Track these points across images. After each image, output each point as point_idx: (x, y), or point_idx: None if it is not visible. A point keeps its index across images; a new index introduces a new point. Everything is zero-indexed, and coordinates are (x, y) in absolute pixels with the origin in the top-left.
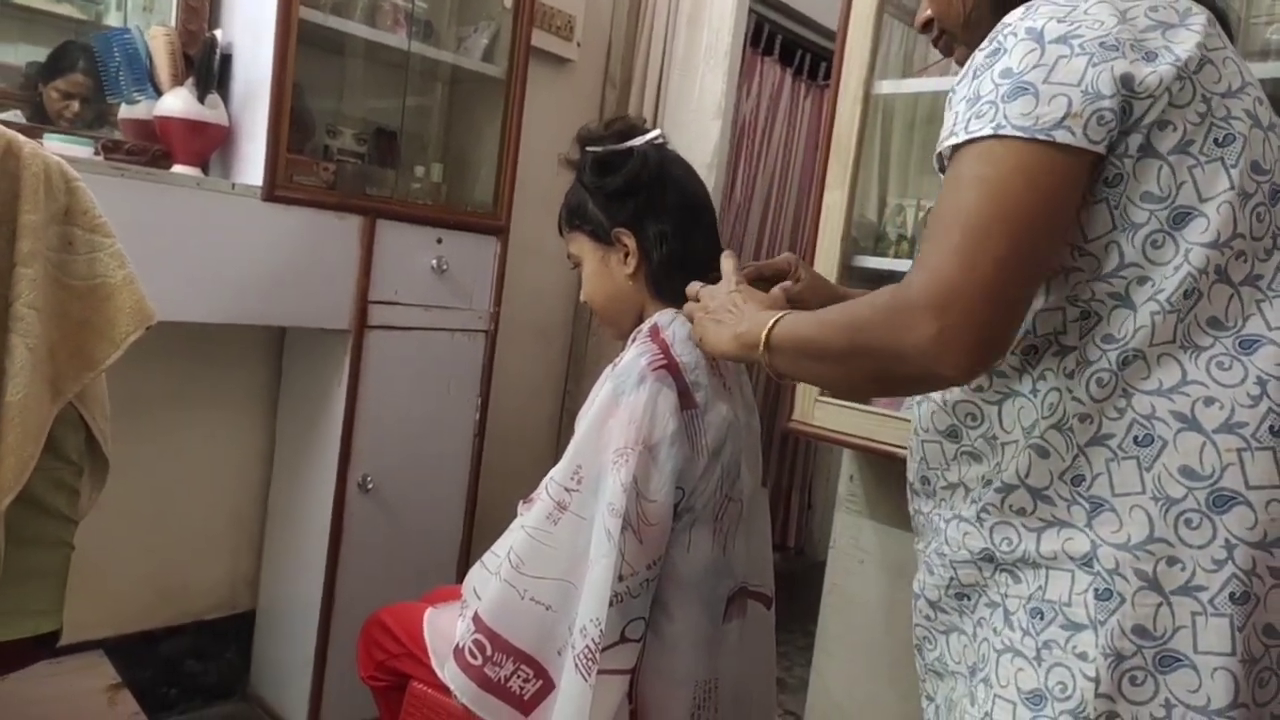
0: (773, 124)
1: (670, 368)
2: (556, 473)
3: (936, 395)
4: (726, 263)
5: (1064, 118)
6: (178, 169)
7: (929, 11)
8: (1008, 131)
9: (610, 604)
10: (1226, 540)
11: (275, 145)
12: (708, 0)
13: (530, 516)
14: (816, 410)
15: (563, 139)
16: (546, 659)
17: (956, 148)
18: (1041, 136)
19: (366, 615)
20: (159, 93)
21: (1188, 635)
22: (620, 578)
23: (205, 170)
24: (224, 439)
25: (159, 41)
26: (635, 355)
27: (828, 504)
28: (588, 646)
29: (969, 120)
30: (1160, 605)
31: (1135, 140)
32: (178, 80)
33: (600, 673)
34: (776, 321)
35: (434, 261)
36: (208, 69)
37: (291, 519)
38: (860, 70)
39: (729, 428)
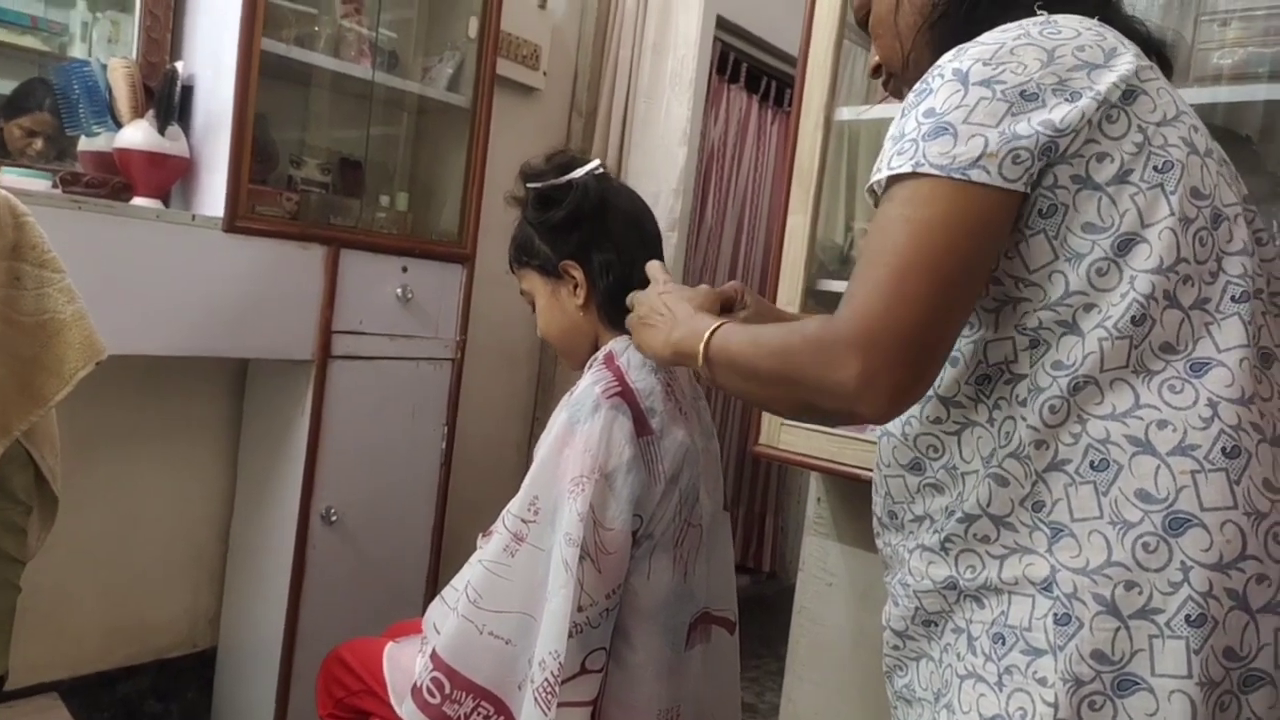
0: (741, 150)
1: (625, 395)
2: (513, 505)
3: (896, 429)
4: (652, 267)
5: (979, 157)
6: (138, 201)
7: (876, 57)
8: (926, 170)
9: (570, 635)
10: (1183, 563)
11: (236, 176)
12: (673, 29)
13: (488, 550)
14: (783, 434)
15: None
16: (507, 694)
17: (884, 184)
18: (958, 175)
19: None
20: (119, 125)
21: (1145, 659)
22: (580, 608)
23: (166, 202)
24: (185, 473)
25: (119, 74)
26: (590, 383)
27: (800, 527)
28: (547, 680)
29: (892, 157)
30: (1119, 629)
31: (1065, 171)
32: (138, 112)
33: (561, 705)
34: (713, 332)
35: (399, 290)
36: (168, 101)
37: (253, 553)
38: (821, 97)
39: (686, 453)
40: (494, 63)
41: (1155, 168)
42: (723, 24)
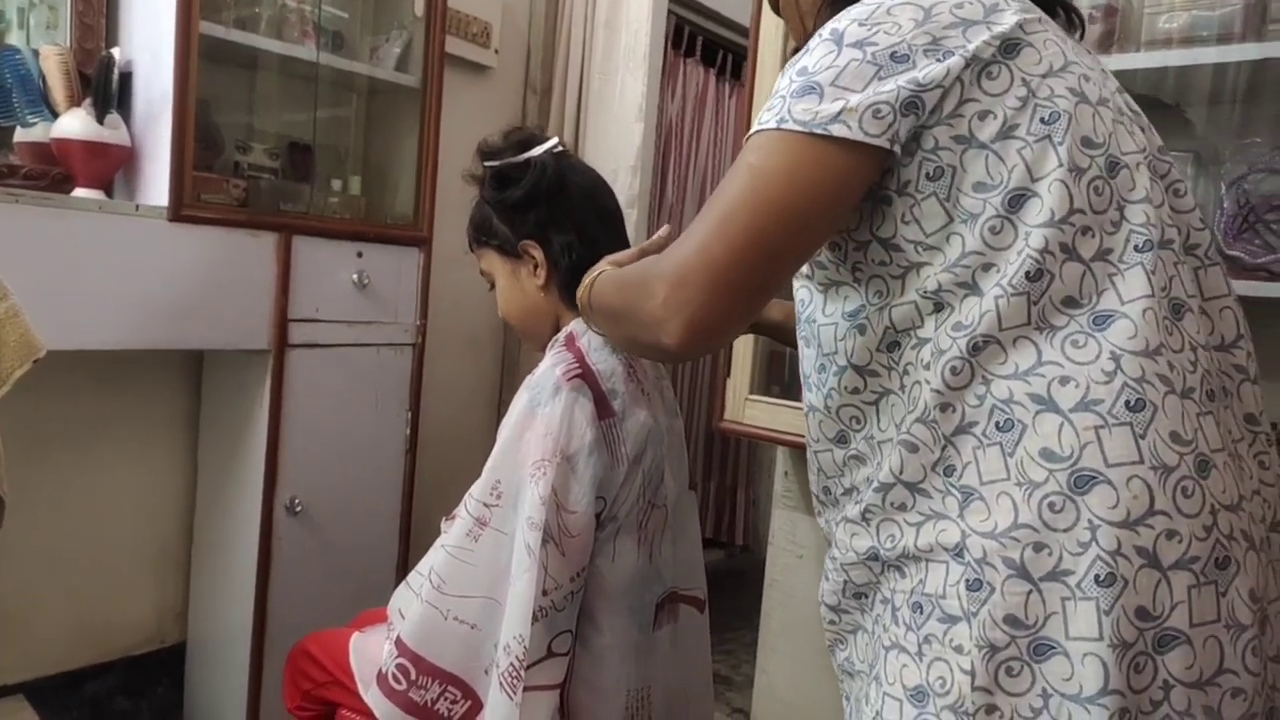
0: (700, 125)
1: (585, 376)
2: (476, 489)
3: (819, 403)
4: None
5: (840, 113)
6: (79, 192)
7: (794, 39)
8: (789, 126)
9: (534, 619)
10: (1090, 521)
11: (180, 164)
12: (624, 3)
13: (451, 535)
14: (747, 409)
15: None
16: (474, 679)
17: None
18: (818, 131)
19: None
20: (55, 114)
21: (1059, 621)
22: (544, 592)
23: (109, 193)
24: (144, 468)
25: (52, 61)
26: (550, 365)
27: (771, 500)
28: (512, 664)
29: (762, 113)
30: (1030, 593)
31: (946, 132)
32: (74, 101)
33: (527, 689)
34: (597, 275)
35: (355, 276)
36: (105, 88)
37: (218, 547)
38: (774, 69)
39: (649, 434)
40: (443, 41)
41: (1042, 119)
42: None
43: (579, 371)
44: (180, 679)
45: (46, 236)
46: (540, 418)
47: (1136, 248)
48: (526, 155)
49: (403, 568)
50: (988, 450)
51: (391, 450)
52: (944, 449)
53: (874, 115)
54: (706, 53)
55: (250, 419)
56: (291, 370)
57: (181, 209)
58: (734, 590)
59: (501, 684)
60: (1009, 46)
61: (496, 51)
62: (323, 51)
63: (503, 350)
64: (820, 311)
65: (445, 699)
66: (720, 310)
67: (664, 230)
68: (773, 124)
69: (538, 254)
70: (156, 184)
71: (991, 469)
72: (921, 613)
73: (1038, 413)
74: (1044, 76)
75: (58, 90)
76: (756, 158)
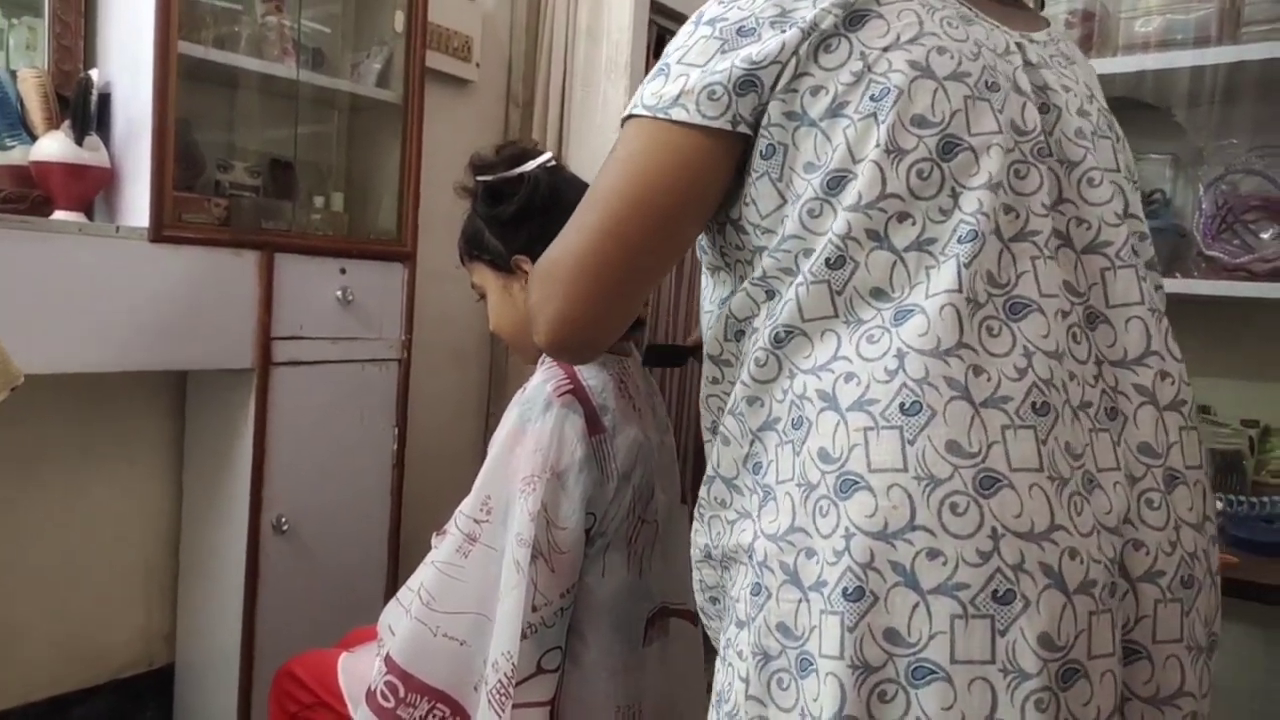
0: None
1: (576, 392)
2: (465, 505)
3: (702, 395)
4: None
5: (679, 95)
6: (59, 215)
7: None
8: (638, 111)
9: (524, 636)
10: (846, 529)
11: (160, 184)
12: (605, 14)
13: (440, 551)
14: None
15: (466, 161)
16: (463, 696)
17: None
18: (660, 115)
19: None
20: (34, 137)
21: (817, 636)
22: (534, 608)
23: (89, 215)
24: (129, 490)
25: (29, 84)
26: (541, 381)
27: None
28: (500, 682)
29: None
30: (800, 602)
31: (779, 108)
32: (53, 123)
33: (516, 707)
34: None
35: (339, 292)
36: (84, 110)
37: (205, 567)
38: None
39: (639, 449)
40: (423, 56)
41: (872, 96)
42: (657, 8)
43: (570, 387)
44: (169, 702)
45: (26, 260)
46: (531, 433)
47: (960, 238)
48: (519, 170)
49: (392, 584)
50: (784, 448)
51: (378, 466)
52: (751, 444)
53: (709, 97)
54: None
55: (235, 438)
56: (276, 388)
57: (162, 229)
58: None
59: (490, 701)
60: (854, 17)
61: (478, 65)
62: (303, 69)
63: (490, 364)
64: (708, 299)
65: (434, 716)
66: (582, 305)
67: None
68: (628, 112)
69: (530, 269)
70: (137, 205)
71: (785, 468)
72: (728, 616)
73: (821, 410)
74: (885, 50)
75: (36, 113)
76: (618, 148)
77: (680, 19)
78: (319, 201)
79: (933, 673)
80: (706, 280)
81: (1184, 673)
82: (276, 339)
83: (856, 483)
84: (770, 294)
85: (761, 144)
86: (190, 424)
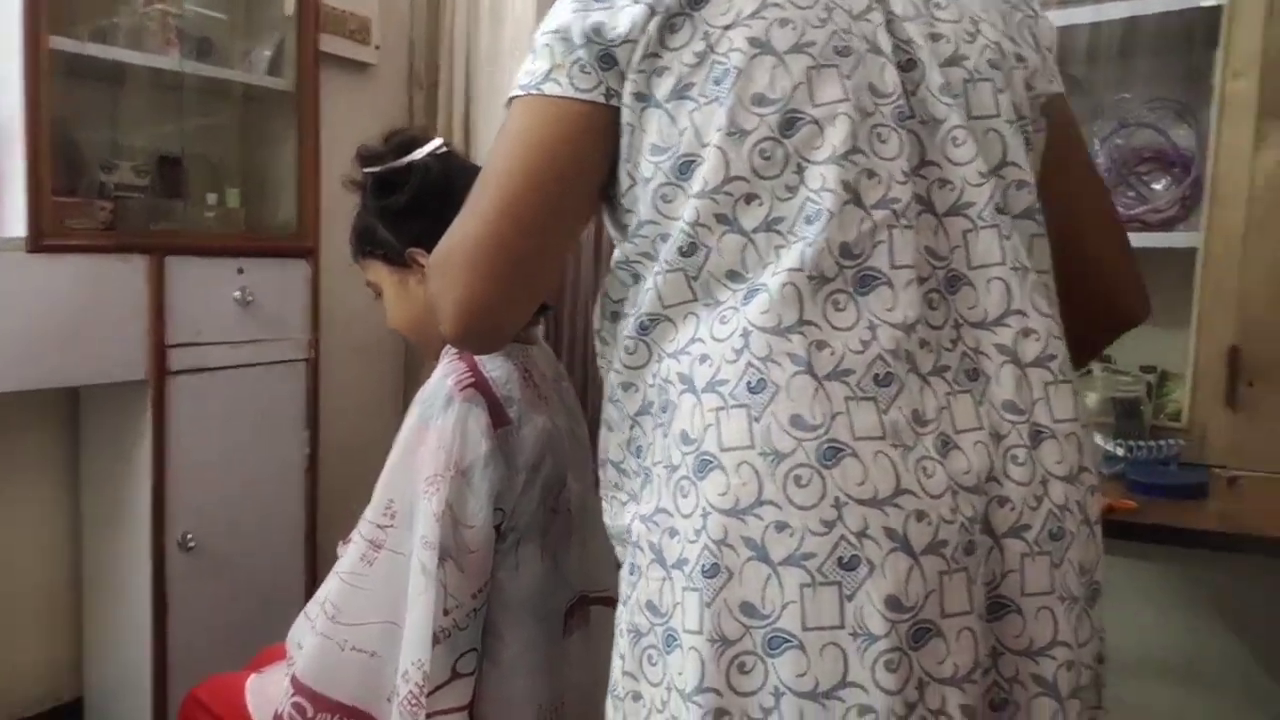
0: None
1: (479, 385)
2: (369, 511)
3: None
4: None
5: (550, 70)
6: None
7: None
8: (515, 91)
9: (436, 641)
10: (703, 508)
11: (37, 190)
12: None
13: (344, 560)
14: None
15: None
16: (377, 710)
17: None
18: (534, 91)
19: None
20: None
21: (680, 613)
22: (445, 611)
23: None
24: (24, 515)
25: None
26: (441, 376)
27: None
28: (411, 692)
29: None
30: (664, 580)
31: (629, 88)
32: None
33: (432, 715)
34: None
35: (238, 293)
36: None
37: (110, 592)
38: None
39: (548, 439)
40: (317, 41)
41: (714, 79)
42: None
43: (472, 381)
44: None
45: None
46: (433, 431)
47: (807, 218)
48: (408, 159)
49: (311, 595)
50: (657, 431)
51: (291, 473)
52: (631, 429)
53: (581, 70)
54: None
55: (133, 454)
56: (174, 399)
57: (42, 238)
58: None
59: (401, 713)
60: None
61: (377, 48)
62: (188, 59)
63: (404, 358)
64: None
65: None
66: (484, 288)
67: None
68: (510, 94)
69: (425, 261)
70: (12, 214)
71: (658, 450)
72: (621, 597)
73: (682, 393)
74: (727, 28)
75: None
76: (502, 130)
77: None
78: (212, 199)
79: (786, 641)
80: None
81: (1057, 623)
82: (172, 347)
83: (710, 462)
84: (636, 278)
85: (620, 122)
86: (85, 442)
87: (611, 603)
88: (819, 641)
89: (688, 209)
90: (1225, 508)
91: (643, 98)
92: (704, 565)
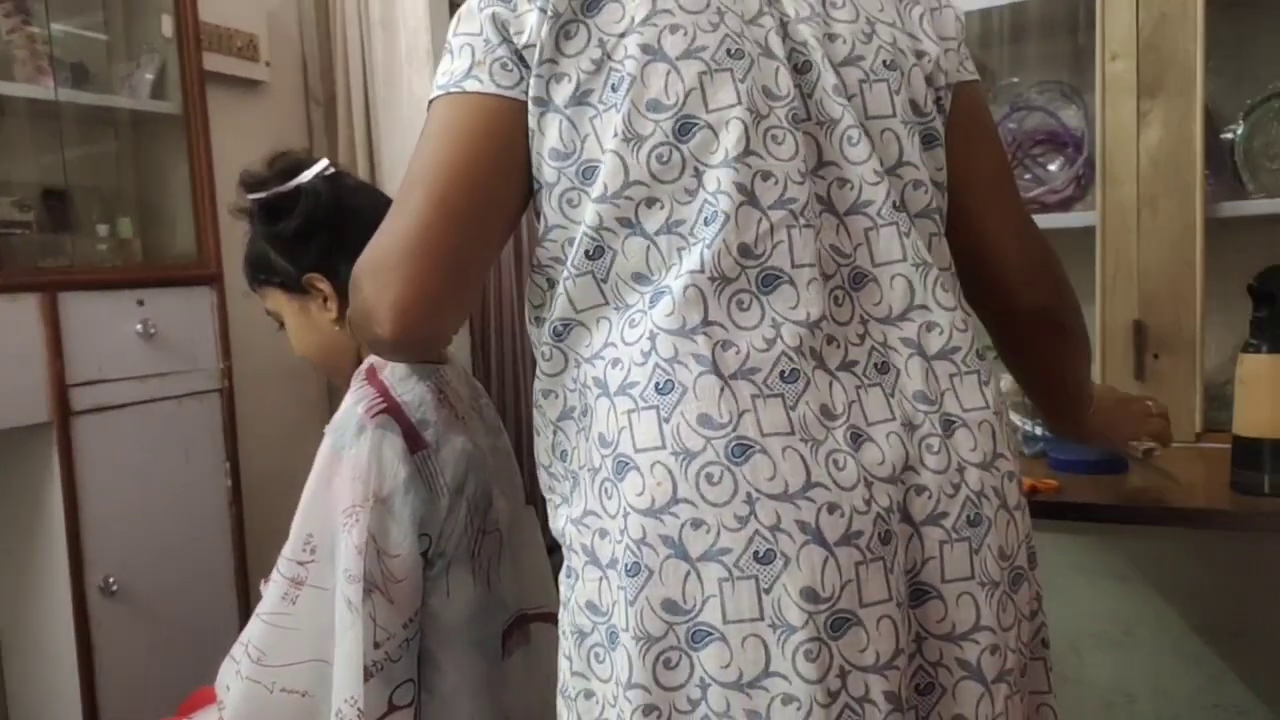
0: None
1: (391, 410)
2: (287, 548)
3: None
4: None
5: (470, 67)
6: None
7: None
8: (436, 92)
9: (368, 676)
10: (624, 510)
11: None
12: (398, 2)
13: (266, 601)
14: None
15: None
16: None
17: None
18: (455, 90)
19: None
20: None
21: (619, 611)
22: (376, 644)
23: None
24: None
25: None
26: (352, 403)
27: None
28: None
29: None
30: (601, 580)
31: (531, 90)
32: None
33: None
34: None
35: (139, 326)
36: None
37: (31, 646)
38: None
39: (469, 459)
40: (199, 60)
41: (612, 86)
42: None
43: (383, 406)
44: None
45: None
46: (346, 460)
47: (705, 219)
48: (295, 182)
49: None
50: (579, 435)
51: (213, 506)
52: (555, 434)
53: (502, 68)
54: None
55: (42, 500)
56: (81, 439)
57: None
58: None
59: None
60: (589, 2)
61: (268, 64)
62: (63, 87)
63: (327, 380)
64: None
65: None
66: (423, 286)
67: None
68: (430, 96)
69: (325, 286)
70: None
71: (581, 454)
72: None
73: (597, 397)
74: (621, 36)
75: None
76: (424, 132)
77: None
78: (104, 230)
79: (709, 635)
80: None
81: (979, 608)
82: (74, 386)
83: (627, 464)
84: (550, 282)
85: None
86: None
87: (551, 618)
88: (740, 634)
89: (589, 214)
90: (1143, 481)
91: (541, 102)
92: (627, 564)
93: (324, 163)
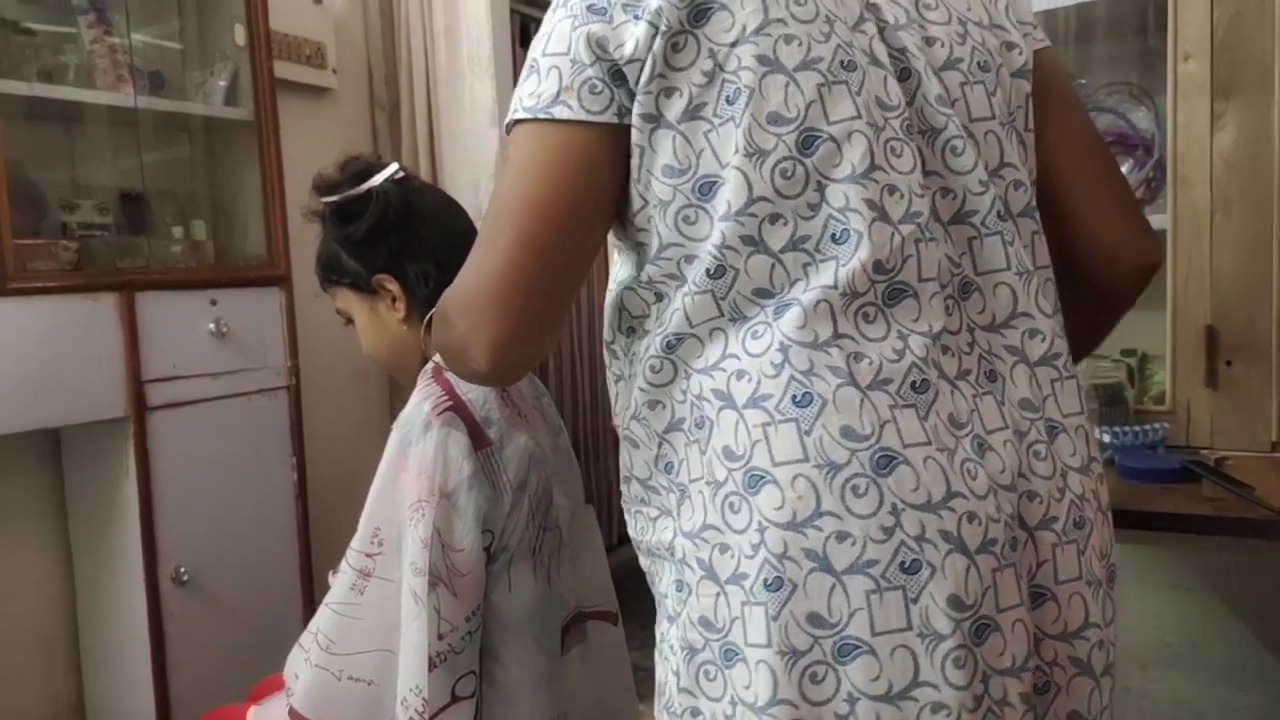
0: None
1: (457, 408)
2: (356, 540)
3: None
4: None
5: (559, 92)
6: None
7: None
8: (520, 115)
9: (432, 666)
10: (759, 523)
11: None
12: (461, 9)
13: (335, 591)
14: None
15: None
16: None
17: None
18: (542, 115)
19: None
20: None
21: (740, 627)
22: (440, 636)
23: None
24: (13, 558)
25: None
26: (418, 401)
27: None
28: (411, 718)
29: (512, 106)
30: (719, 595)
31: (637, 108)
32: None
33: None
34: (431, 319)
35: (212, 325)
36: None
37: (106, 631)
38: None
39: (531, 458)
40: (270, 68)
41: (727, 99)
42: None
43: (449, 404)
44: None
45: None
46: (413, 457)
47: (834, 236)
48: (366, 186)
49: (308, 622)
50: (691, 448)
51: (280, 501)
52: (660, 446)
53: (590, 91)
54: None
55: (119, 491)
56: (156, 434)
57: (6, 282)
58: None
59: None
60: (698, 13)
61: (335, 71)
62: (142, 94)
63: (389, 379)
64: (613, 278)
65: None
66: (515, 324)
67: None
68: (511, 118)
69: (394, 287)
70: None
71: (694, 466)
72: (660, 611)
73: (721, 409)
74: (733, 45)
75: None
76: (513, 156)
77: (542, 5)
78: (178, 232)
79: (857, 648)
80: (614, 258)
81: (1087, 606)
82: (150, 382)
83: (763, 478)
84: (659, 296)
85: (628, 143)
86: (70, 482)
87: (609, 617)
88: (889, 645)
89: (714, 232)
90: (1214, 492)
91: (652, 118)
92: (765, 579)
93: (394, 166)
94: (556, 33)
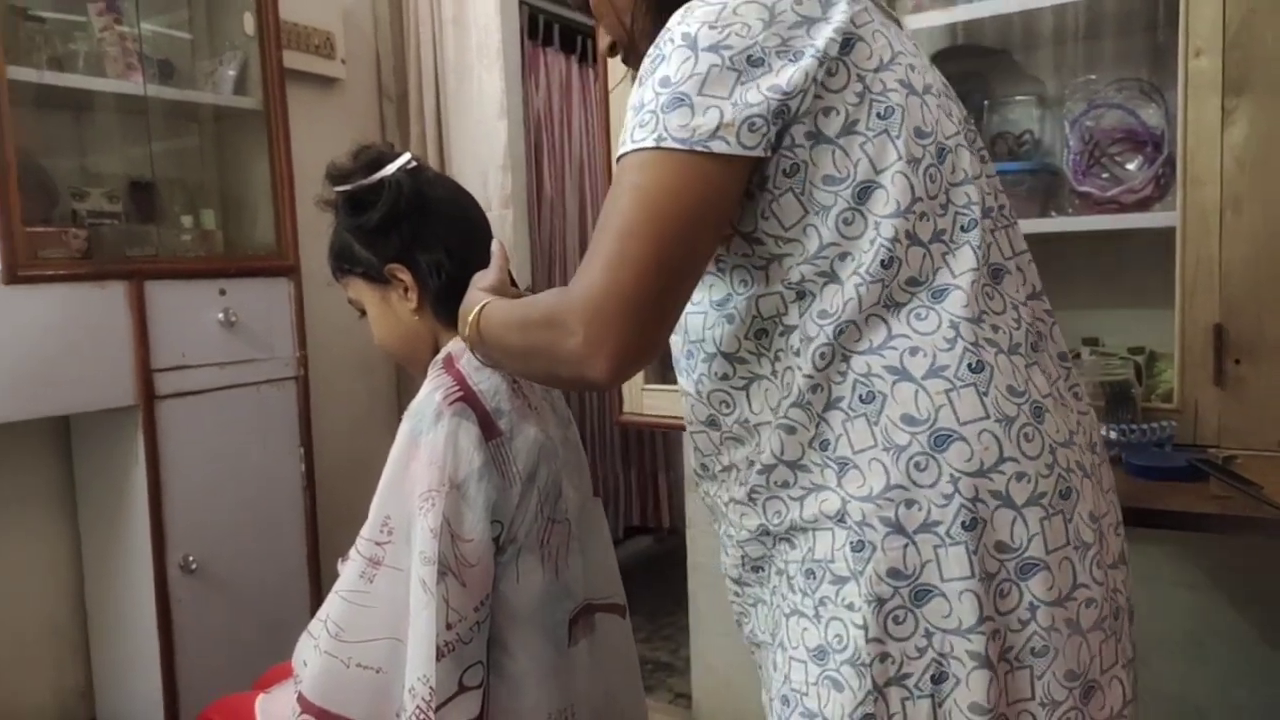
0: (569, 114)
1: (468, 399)
2: (366, 528)
3: (690, 388)
4: (494, 246)
5: (718, 129)
6: None
7: (608, 37)
8: (668, 144)
9: (440, 656)
10: (951, 475)
11: (7, 221)
12: (470, 1)
13: (344, 579)
14: (645, 399)
15: None
16: None
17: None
18: (699, 148)
19: None
20: None
21: (935, 568)
22: (448, 625)
23: None
24: (23, 545)
25: None
26: (430, 390)
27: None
28: (418, 707)
29: (634, 129)
30: (907, 546)
31: (800, 130)
32: None
33: None
34: (481, 311)
35: (220, 315)
36: None
37: (115, 617)
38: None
39: (540, 449)
40: (279, 58)
41: (879, 114)
42: None
43: (460, 394)
44: None
45: None
46: (424, 446)
47: (963, 227)
48: (379, 175)
49: (315, 611)
50: (855, 422)
51: (288, 490)
52: (818, 426)
53: (750, 129)
54: (565, 40)
55: (128, 479)
56: (165, 422)
57: (16, 270)
58: (667, 574)
59: None
60: (846, 42)
61: (343, 61)
62: (151, 83)
63: (396, 370)
64: (700, 300)
65: None
66: (639, 336)
67: (495, 246)
68: (650, 142)
69: (406, 277)
70: None
71: (861, 438)
72: (814, 578)
73: (895, 382)
74: (876, 71)
75: None
76: (642, 178)
77: None
78: (188, 221)
79: (1035, 565)
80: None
81: (1122, 540)
82: (158, 371)
83: (949, 435)
84: (801, 295)
85: (784, 163)
86: (79, 470)
87: (617, 610)
88: (1058, 560)
89: (885, 227)
90: (1221, 490)
91: (813, 136)
92: (963, 521)
93: (406, 156)
94: (716, 78)
